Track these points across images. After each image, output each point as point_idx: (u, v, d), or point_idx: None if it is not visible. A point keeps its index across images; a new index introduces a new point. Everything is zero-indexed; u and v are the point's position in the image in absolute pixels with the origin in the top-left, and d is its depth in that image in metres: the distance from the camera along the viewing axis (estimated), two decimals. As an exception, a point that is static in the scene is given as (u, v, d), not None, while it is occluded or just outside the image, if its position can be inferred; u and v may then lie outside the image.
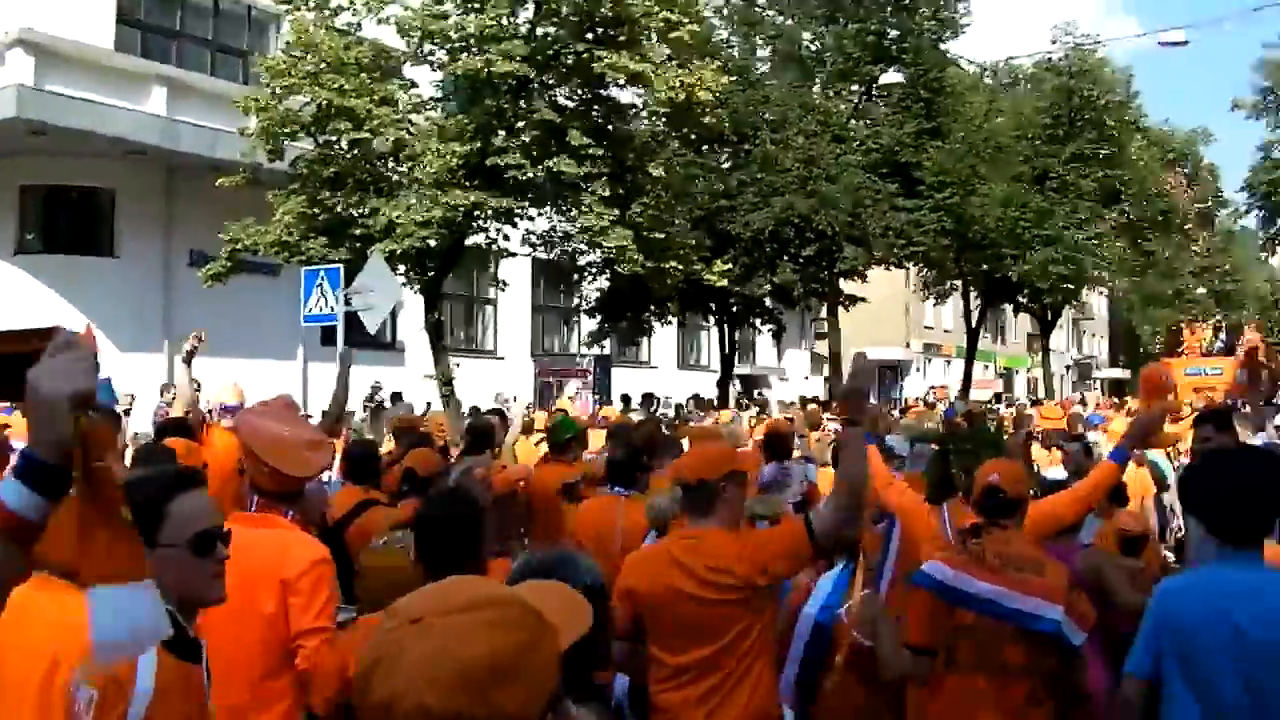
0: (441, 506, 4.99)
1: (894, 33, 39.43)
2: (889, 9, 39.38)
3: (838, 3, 39.70)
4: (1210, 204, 56.53)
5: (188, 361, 10.25)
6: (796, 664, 6.51)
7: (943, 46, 40.65)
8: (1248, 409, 14.06)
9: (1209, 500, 4.98)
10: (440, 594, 2.05)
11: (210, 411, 11.00)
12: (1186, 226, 53.21)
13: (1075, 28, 46.84)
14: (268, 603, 4.77)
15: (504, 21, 23.64)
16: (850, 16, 39.52)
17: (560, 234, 29.05)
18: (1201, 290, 69.49)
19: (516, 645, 1.95)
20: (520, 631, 1.98)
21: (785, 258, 34.52)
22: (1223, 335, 43.27)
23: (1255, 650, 4.49)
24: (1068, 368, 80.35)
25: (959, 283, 47.09)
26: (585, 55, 23.66)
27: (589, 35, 24.08)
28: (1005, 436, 11.52)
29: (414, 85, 25.04)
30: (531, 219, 26.59)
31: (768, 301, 37.43)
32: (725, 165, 35.75)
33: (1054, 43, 46.14)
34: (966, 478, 6.76)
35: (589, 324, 34.82)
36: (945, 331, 67.77)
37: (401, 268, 23.62)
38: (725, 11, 38.74)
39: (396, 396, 23.01)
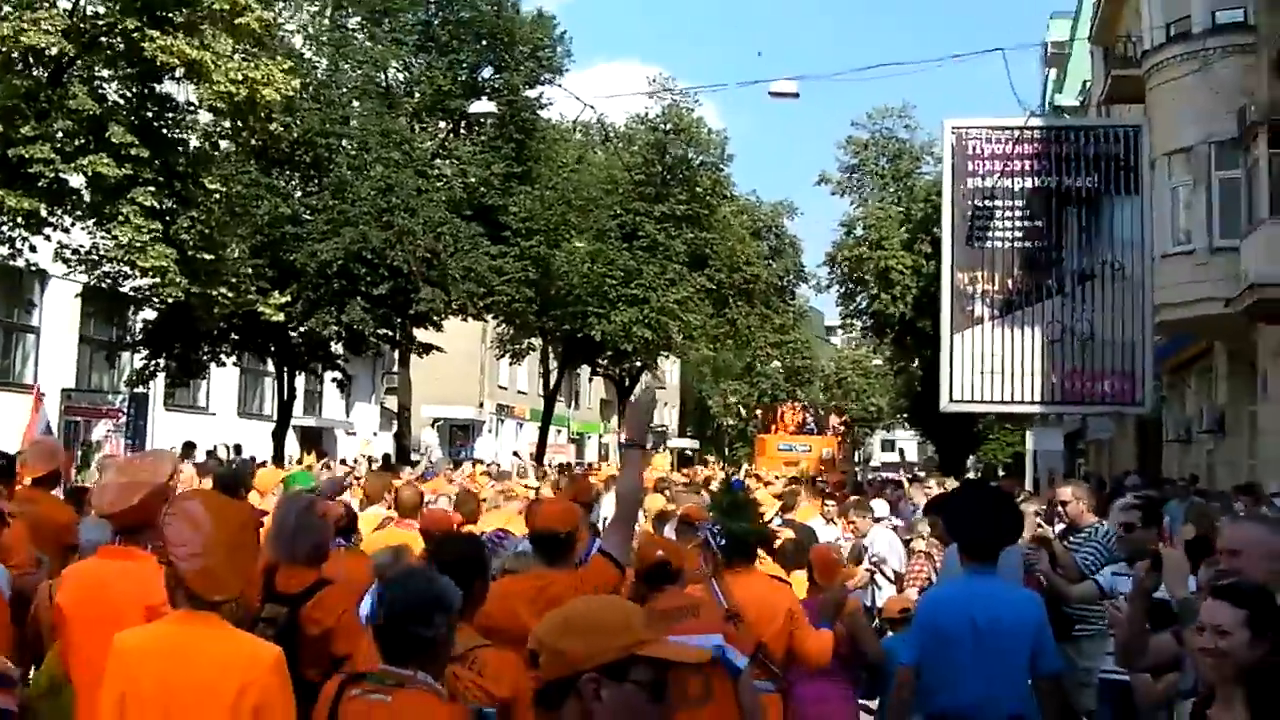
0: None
1: (489, 70, 37.55)
2: (485, 42, 37.34)
3: (429, 33, 37.49)
4: (791, 278, 56.72)
5: None
6: None
7: (539, 89, 38.87)
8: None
9: (958, 526, 7.61)
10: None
11: None
12: (767, 298, 53.14)
13: (673, 81, 46.03)
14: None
15: (42, -13, 20.54)
16: (442, 48, 37.33)
17: (102, 252, 24.81)
18: (776, 364, 70.32)
19: (586, 618, 3.15)
20: (602, 613, 3.19)
21: (356, 295, 31.67)
22: (811, 416, 44.61)
23: (985, 636, 6.52)
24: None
25: (538, 341, 45.25)
26: (136, 35, 20.58)
27: (143, 16, 20.98)
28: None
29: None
30: (67, 230, 23.07)
31: (334, 345, 34.48)
32: (295, 191, 32.67)
33: (651, 96, 45.04)
34: None
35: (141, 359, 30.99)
36: (520, 393, 66.64)
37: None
38: (311, 30, 35.70)
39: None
